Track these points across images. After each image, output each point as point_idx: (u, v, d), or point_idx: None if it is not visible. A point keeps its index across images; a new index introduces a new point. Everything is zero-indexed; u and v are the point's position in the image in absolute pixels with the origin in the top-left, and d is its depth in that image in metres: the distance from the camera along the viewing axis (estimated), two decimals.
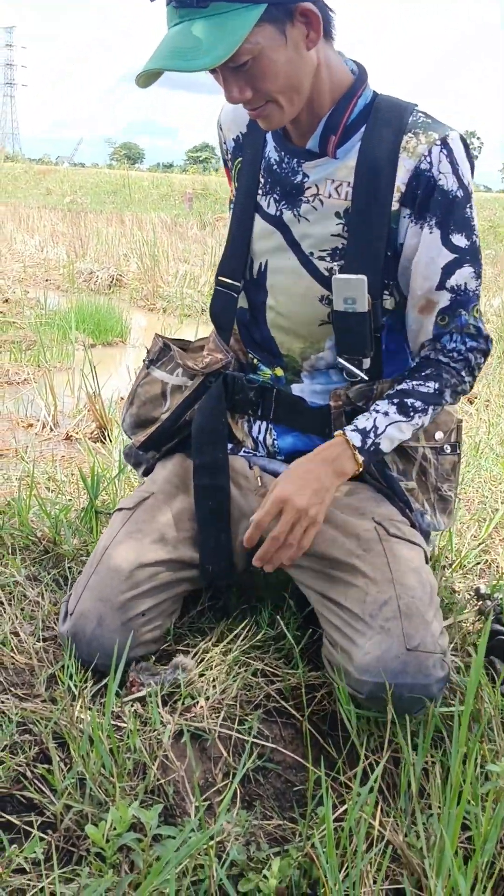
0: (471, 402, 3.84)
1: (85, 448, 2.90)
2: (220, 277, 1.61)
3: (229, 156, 1.63)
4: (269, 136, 1.52)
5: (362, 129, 1.41)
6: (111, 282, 8.16)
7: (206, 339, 1.73)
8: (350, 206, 1.42)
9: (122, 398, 3.68)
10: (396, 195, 1.39)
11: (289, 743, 1.43)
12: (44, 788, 1.21)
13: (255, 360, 1.63)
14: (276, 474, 1.61)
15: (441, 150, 1.37)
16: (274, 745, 1.40)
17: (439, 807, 1.20)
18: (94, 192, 25.85)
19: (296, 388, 1.58)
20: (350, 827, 1.11)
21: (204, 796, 1.26)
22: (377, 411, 1.44)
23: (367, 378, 1.49)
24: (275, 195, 1.50)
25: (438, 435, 1.56)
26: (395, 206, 1.40)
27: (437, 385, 1.47)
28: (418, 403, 1.44)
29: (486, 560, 2.10)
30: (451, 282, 1.43)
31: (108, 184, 28.75)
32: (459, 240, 1.41)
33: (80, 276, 8.24)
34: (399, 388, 1.47)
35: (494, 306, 6.95)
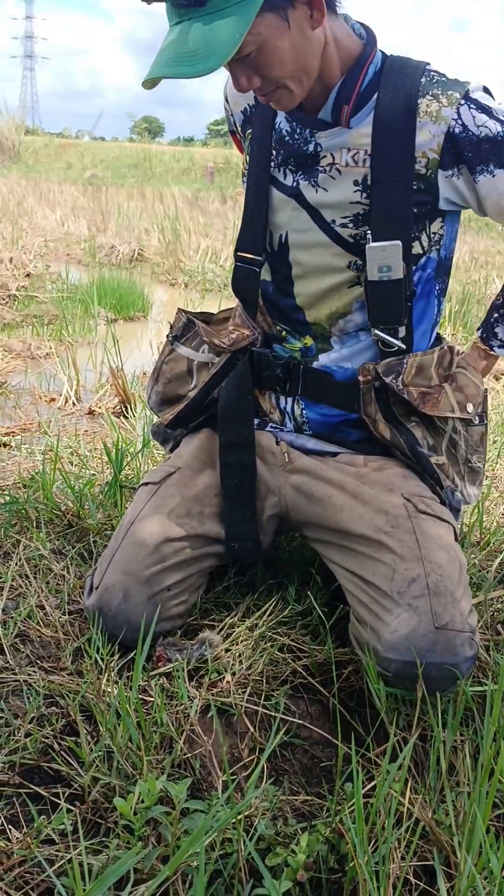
0: (497, 379, 3.79)
1: (108, 422, 2.90)
2: (239, 253, 1.59)
3: (238, 127, 1.61)
4: None
5: (374, 95, 1.39)
6: (133, 256, 8.14)
7: (229, 311, 1.71)
8: (369, 173, 1.40)
9: (144, 373, 3.67)
10: (423, 160, 1.37)
11: (315, 719, 1.42)
12: (71, 761, 1.21)
13: (284, 332, 1.61)
14: (303, 449, 1.59)
15: (469, 107, 1.35)
16: (301, 721, 1.39)
17: (468, 784, 1.19)
18: (115, 165, 25.73)
19: (325, 358, 1.56)
20: (378, 803, 1.11)
21: (231, 771, 1.26)
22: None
23: (403, 346, 1.47)
24: (290, 166, 1.48)
25: (469, 407, 1.53)
26: (424, 171, 1.38)
27: None
28: None
29: None
30: None
31: (128, 157, 28.62)
32: None
33: (101, 250, 8.22)
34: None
35: None
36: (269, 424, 1.65)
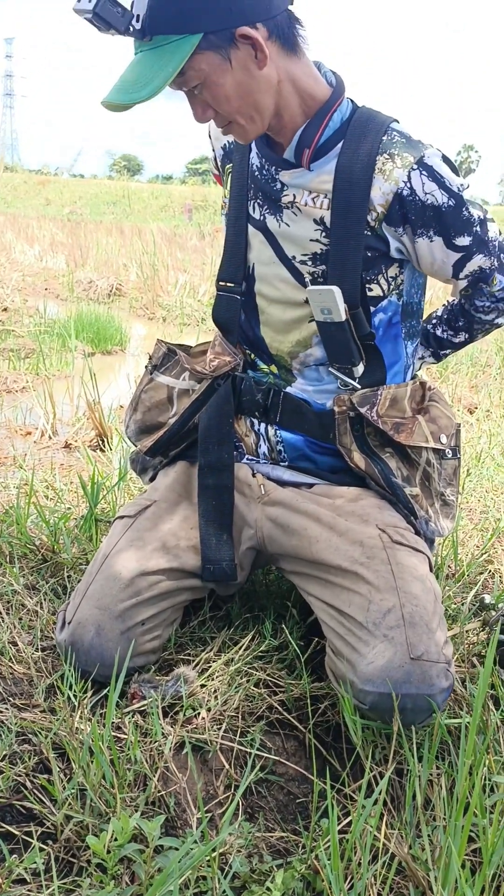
0: (471, 413, 3.83)
1: (84, 456, 2.89)
2: (220, 282, 1.61)
3: (219, 161, 1.65)
4: (253, 146, 1.53)
5: (339, 144, 1.42)
6: (111, 291, 8.18)
7: (206, 345, 1.72)
8: (327, 216, 1.44)
9: (121, 406, 3.67)
10: (373, 214, 1.41)
11: (291, 755, 1.42)
12: (44, 799, 1.19)
13: (253, 357, 1.63)
14: (279, 481, 1.60)
15: (420, 173, 1.38)
16: (276, 757, 1.38)
17: (445, 819, 1.18)
18: (94, 202, 25.91)
19: (292, 389, 1.58)
20: (354, 839, 1.10)
21: (206, 808, 1.24)
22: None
23: (359, 386, 1.50)
24: (258, 200, 1.52)
25: (443, 438, 1.55)
26: (373, 223, 1.42)
27: (467, 335, 1.72)
28: (450, 351, 1.78)
29: (489, 570, 2.08)
30: (465, 272, 1.49)
31: (107, 194, 28.85)
32: (462, 240, 1.44)
33: (79, 285, 8.25)
34: (436, 334, 1.74)
35: None
36: (246, 456, 1.66)
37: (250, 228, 1.54)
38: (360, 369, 1.49)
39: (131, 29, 1.23)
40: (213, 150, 1.66)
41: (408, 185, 1.38)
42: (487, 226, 1.47)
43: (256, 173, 1.51)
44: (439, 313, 1.75)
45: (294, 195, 1.46)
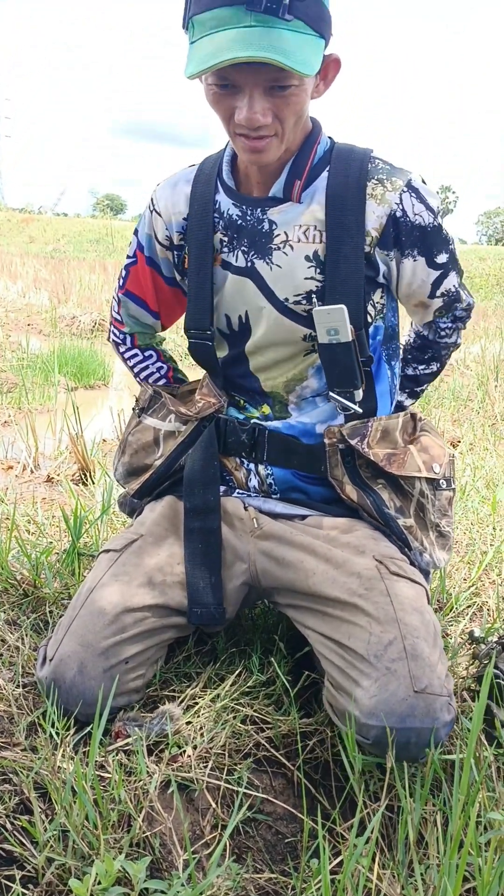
0: (454, 446, 3.84)
1: (67, 489, 2.86)
2: (190, 331, 1.61)
3: (174, 234, 1.60)
4: (219, 199, 1.52)
5: (324, 173, 1.45)
6: (93, 326, 8.19)
7: (195, 384, 1.72)
8: (321, 249, 1.45)
9: (104, 440, 3.65)
10: (367, 239, 1.43)
11: (279, 793, 1.38)
12: (24, 841, 1.15)
13: (242, 401, 1.62)
14: (272, 514, 1.58)
15: (410, 195, 1.43)
16: (264, 796, 1.34)
17: (438, 857, 1.15)
18: (77, 240, 26.07)
19: (285, 424, 1.57)
20: (346, 879, 1.06)
21: (192, 849, 1.20)
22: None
23: (360, 410, 1.49)
24: (242, 247, 1.50)
25: (436, 467, 1.55)
26: (368, 248, 1.44)
27: (438, 364, 1.80)
28: (426, 386, 1.85)
29: (478, 603, 2.06)
30: (441, 290, 1.56)
31: (90, 232, 29.03)
32: (442, 257, 1.52)
33: (62, 320, 8.26)
34: (409, 374, 1.80)
35: (473, 353, 7.02)
36: (237, 490, 1.64)
37: (234, 279, 1.52)
38: (360, 393, 1.49)
39: None
40: (168, 227, 1.60)
41: (400, 206, 1.42)
42: (454, 248, 1.55)
43: (239, 221, 1.50)
44: (402, 356, 1.77)
45: (286, 233, 1.46)
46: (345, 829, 1.25)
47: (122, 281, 1.75)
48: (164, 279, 1.69)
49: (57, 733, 1.35)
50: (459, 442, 3.91)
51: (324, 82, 1.38)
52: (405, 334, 1.80)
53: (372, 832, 1.10)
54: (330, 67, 1.37)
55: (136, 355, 1.83)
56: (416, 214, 1.44)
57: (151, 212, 1.63)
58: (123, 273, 1.74)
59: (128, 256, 1.73)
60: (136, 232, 1.71)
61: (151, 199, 1.64)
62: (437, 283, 1.54)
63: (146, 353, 1.83)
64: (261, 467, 1.59)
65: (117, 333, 1.83)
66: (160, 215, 1.61)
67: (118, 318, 1.80)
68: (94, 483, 3.09)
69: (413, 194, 1.43)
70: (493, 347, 7.18)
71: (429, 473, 1.53)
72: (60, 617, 1.68)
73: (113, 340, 1.85)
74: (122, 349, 1.84)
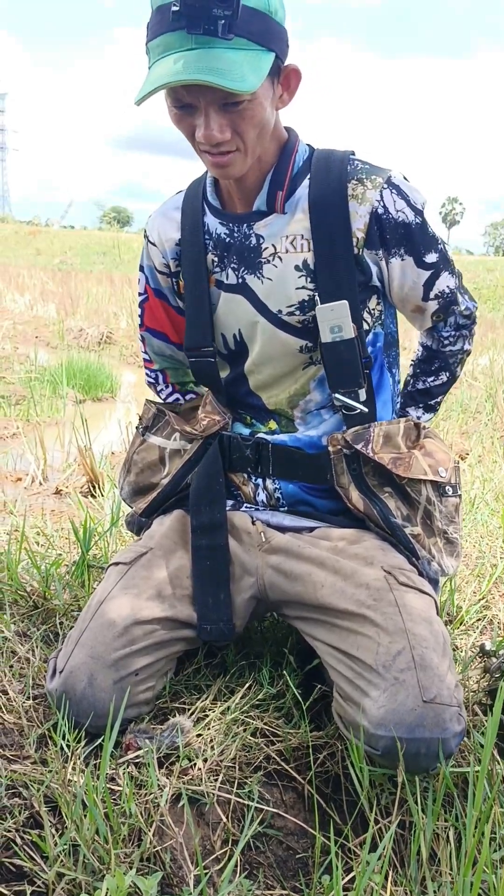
0: (462, 459, 3.83)
1: (75, 501, 2.86)
2: (189, 350, 1.62)
3: (170, 260, 1.62)
4: (207, 220, 1.53)
5: (305, 180, 1.46)
6: (101, 339, 8.20)
7: (198, 401, 1.73)
8: (310, 257, 1.45)
9: (113, 452, 3.65)
10: (354, 240, 1.44)
11: (290, 807, 1.37)
12: (35, 855, 1.14)
13: (249, 418, 1.63)
14: (280, 527, 1.58)
15: (391, 192, 1.43)
16: (275, 810, 1.33)
17: (451, 874, 1.14)
18: (84, 252, 26.18)
19: (291, 438, 1.57)
20: None
21: (203, 863, 1.19)
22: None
23: (366, 410, 1.50)
24: (232, 265, 1.51)
25: (442, 471, 1.54)
26: (356, 250, 1.44)
27: (448, 374, 1.73)
28: (440, 398, 1.75)
29: (488, 616, 2.05)
30: (434, 291, 1.55)
31: (97, 245, 29.17)
32: (430, 256, 1.50)
33: (70, 333, 8.28)
34: (420, 388, 1.73)
35: (482, 365, 7.02)
36: (244, 504, 1.64)
37: (227, 296, 1.53)
38: (363, 393, 1.50)
39: (217, 16, 1.19)
40: (163, 255, 1.62)
41: (381, 203, 1.42)
42: (445, 249, 1.54)
43: (228, 239, 1.51)
44: (411, 371, 1.76)
45: (274, 245, 1.47)
46: (356, 844, 1.24)
47: (140, 319, 1.76)
48: (174, 309, 1.70)
49: (67, 746, 1.35)
50: (468, 454, 3.90)
51: (287, 92, 1.38)
52: (414, 349, 1.79)
53: (384, 848, 1.09)
54: (291, 77, 1.37)
55: (177, 400, 1.83)
56: (398, 211, 1.43)
57: (148, 243, 1.66)
58: (139, 311, 1.76)
59: (139, 294, 1.74)
60: (141, 268, 1.72)
61: (146, 231, 1.66)
62: (429, 284, 1.53)
63: (187, 398, 1.83)
64: (269, 482, 1.60)
65: (149, 373, 1.83)
66: (155, 245, 1.64)
67: (146, 356, 1.81)
68: (102, 495, 3.09)
69: (394, 190, 1.43)
70: (502, 359, 7.17)
71: (435, 477, 1.53)
72: (70, 629, 1.67)
73: (148, 383, 1.86)
74: (158, 388, 1.85)
